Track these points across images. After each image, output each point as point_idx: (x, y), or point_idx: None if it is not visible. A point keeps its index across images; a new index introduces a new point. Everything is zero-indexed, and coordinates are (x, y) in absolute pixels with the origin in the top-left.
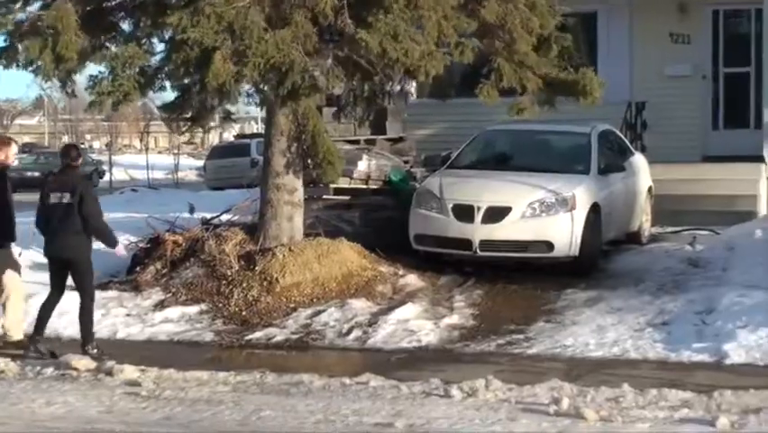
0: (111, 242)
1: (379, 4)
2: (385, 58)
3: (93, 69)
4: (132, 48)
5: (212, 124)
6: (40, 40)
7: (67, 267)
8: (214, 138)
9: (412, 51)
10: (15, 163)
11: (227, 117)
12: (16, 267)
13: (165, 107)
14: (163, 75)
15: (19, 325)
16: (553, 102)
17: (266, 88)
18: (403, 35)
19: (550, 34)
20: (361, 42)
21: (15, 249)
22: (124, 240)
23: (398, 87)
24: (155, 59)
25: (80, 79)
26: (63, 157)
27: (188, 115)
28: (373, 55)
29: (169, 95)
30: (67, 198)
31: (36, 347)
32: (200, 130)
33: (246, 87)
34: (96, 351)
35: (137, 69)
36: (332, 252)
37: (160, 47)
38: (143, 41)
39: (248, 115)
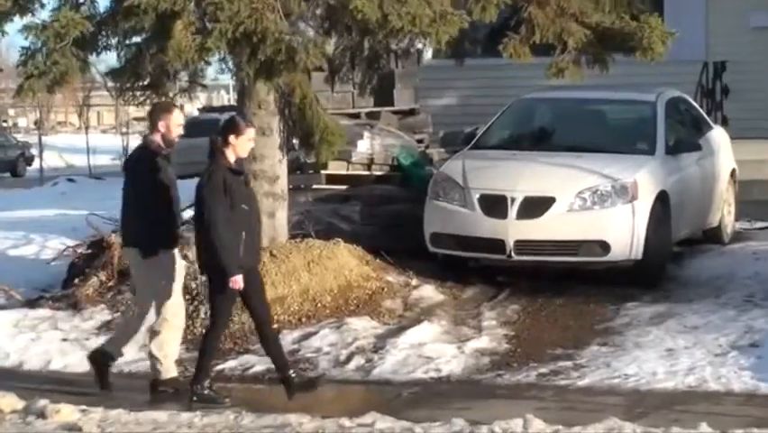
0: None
1: None
2: (387, 27)
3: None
4: (66, 13)
5: (176, 91)
6: None
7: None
8: None
9: (420, 17)
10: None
11: (194, 82)
12: (177, 280)
13: (113, 74)
14: (108, 32)
15: (173, 358)
16: (604, 60)
17: (240, 60)
18: None
19: None
20: (356, 13)
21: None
22: (58, 244)
23: (408, 45)
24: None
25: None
26: None
27: (145, 82)
28: (372, 24)
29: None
30: None
31: (204, 391)
32: (160, 98)
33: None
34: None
35: (75, 38)
36: (325, 257)
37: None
38: (82, 2)
39: (216, 82)
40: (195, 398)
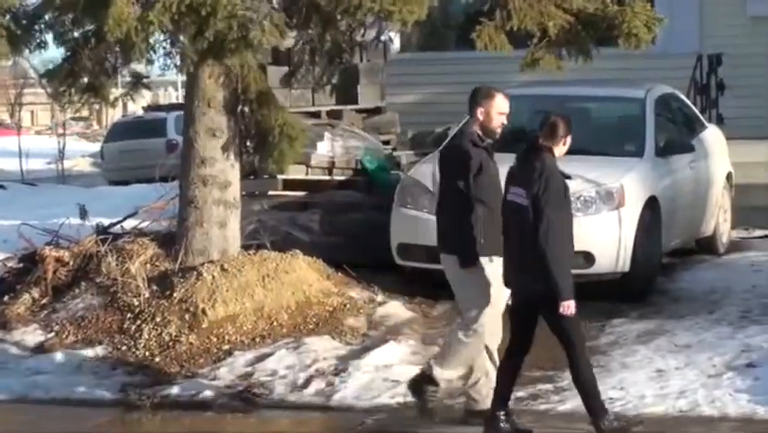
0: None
1: None
2: (343, 3)
3: None
4: None
5: (117, 92)
6: None
7: (535, 307)
8: (115, 111)
9: None
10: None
11: (138, 82)
12: (501, 293)
13: (48, 75)
14: (42, 25)
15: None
16: (587, 50)
17: (183, 40)
18: None
19: None
20: None
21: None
22: None
23: (374, 37)
24: (31, 1)
25: None
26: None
27: (83, 82)
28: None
29: (53, 53)
30: (521, 196)
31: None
32: (99, 102)
33: (160, 39)
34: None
35: (6, 16)
36: (282, 270)
37: None
38: None
39: (163, 78)
40: None
